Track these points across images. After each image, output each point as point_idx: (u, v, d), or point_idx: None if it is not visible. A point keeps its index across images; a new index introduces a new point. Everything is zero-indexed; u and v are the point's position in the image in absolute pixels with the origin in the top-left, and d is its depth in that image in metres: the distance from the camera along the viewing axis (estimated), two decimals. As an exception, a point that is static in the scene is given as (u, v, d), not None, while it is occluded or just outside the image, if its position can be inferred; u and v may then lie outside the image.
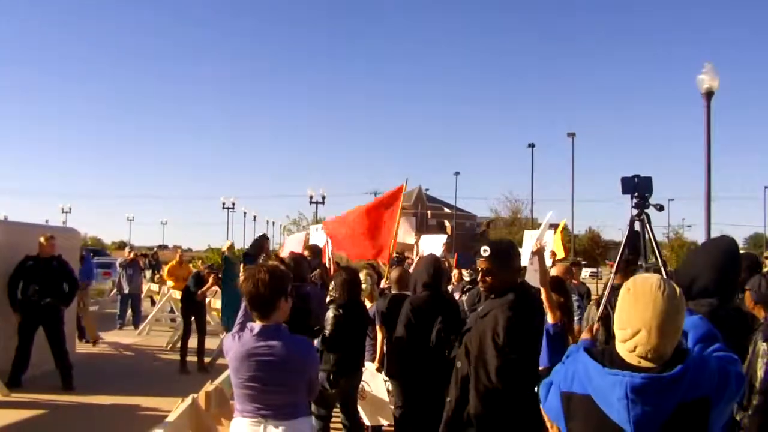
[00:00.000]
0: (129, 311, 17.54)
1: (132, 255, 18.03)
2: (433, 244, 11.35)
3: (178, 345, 12.35)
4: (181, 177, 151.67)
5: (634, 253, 4.61)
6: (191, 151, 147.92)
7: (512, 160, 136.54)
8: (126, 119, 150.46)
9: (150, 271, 20.89)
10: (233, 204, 73.01)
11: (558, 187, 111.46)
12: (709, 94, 15.84)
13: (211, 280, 12.20)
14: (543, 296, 6.13)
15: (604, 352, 2.62)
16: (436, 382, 6.44)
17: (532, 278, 6.79)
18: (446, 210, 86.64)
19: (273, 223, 75.25)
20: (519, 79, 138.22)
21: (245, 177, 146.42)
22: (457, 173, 72.39)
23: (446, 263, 11.02)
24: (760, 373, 4.00)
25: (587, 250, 66.68)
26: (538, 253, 6.24)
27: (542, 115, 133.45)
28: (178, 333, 13.66)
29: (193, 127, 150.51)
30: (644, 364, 2.49)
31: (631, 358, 2.52)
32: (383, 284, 8.62)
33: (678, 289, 2.59)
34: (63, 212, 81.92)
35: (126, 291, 17.18)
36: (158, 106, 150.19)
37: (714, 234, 17.73)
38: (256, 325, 3.78)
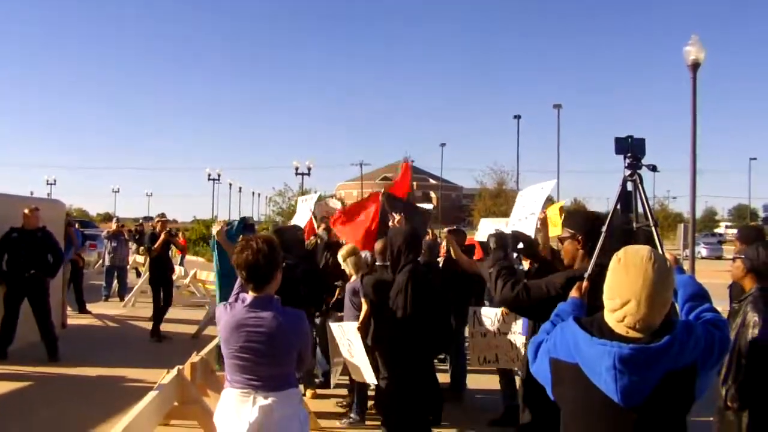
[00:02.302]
0: (115, 283, 17.51)
1: (117, 227, 17.94)
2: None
3: (203, 333, 12.26)
4: (166, 149, 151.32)
5: (625, 214, 4.64)
6: (176, 122, 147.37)
7: (498, 131, 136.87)
8: (111, 91, 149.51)
9: (135, 243, 20.77)
10: (219, 175, 72.91)
11: (544, 158, 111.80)
12: (695, 66, 15.82)
13: (162, 235, 12.29)
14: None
15: (593, 322, 2.65)
16: (419, 353, 6.48)
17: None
18: (432, 181, 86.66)
19: (258, 194, 75.21)
20: (505, 52, 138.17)
21: (231, 148, 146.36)
22: (443, 144, 72.54)
23: (432, 234, 11.02)
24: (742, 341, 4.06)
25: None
26: (543, 222, 6.33)
27: (528, 87, 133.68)
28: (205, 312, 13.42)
29: (178, 99, 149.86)
30: (632, 334, 2.52)
31: (620, 328, 2.55)
32: None
33: (668, 262, 2.64)
34: (48, 184, 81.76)
35: (112, 263, 17.15)
36: (143, 78, 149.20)
37: (699, 205, 17.84)
38: (249, 296, 3.77)
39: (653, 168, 4.52)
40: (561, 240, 4.44)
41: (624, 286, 2.54)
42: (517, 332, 6.93)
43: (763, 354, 3.96)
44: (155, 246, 12.26)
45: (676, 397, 2.52)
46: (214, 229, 6.10)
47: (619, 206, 4.44)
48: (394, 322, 6.36)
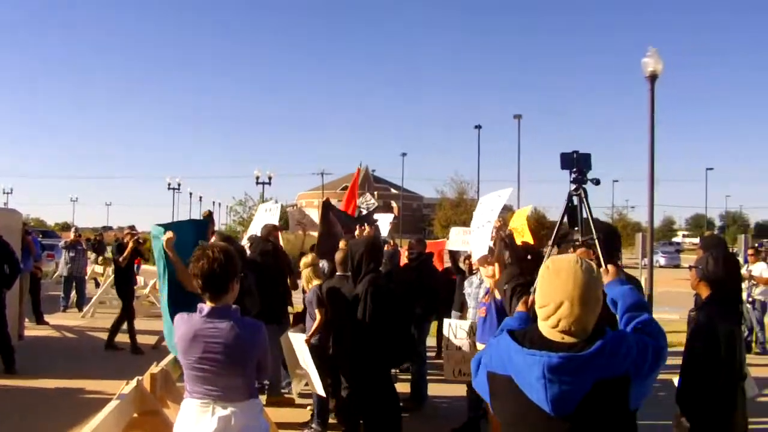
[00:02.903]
0: (73, 293, 17.27)
1: (75, 236, 17.69)
2: (381, 224, 11.37)
3: (163, 343, 12.17)
4: (125, 157, 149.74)
5: (571, 228, 4.73)
6: (136, 131, 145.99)
7: (459, 141, 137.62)
8: (69, 97, 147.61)
9: (94, 252, 20.53)
10: (179, 184, 72.26)
11: (504, 168, 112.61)
12: (653, 77, 16.04)
13: (131, 243, 12.16)
14: (496, 271, 6.25)
15: (525, 333, 2.68)
16: (378, 363, 6.50)
17: (478, 251, 6.89)
18: (393, 191, 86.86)
19: (219, 204, 74.60)
20: (466, 62, 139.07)
21: (191, 157, 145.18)
22: (404, 154, 72.85)
23: (393, 243, 11.07)
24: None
25: (533, 230, 67.46)
26: (498, 231, 6.37)
27: (489, 97, 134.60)
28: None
29: (139, 107, 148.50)
30: (567, 339, 2.56)
31: (554, 335, 2.59)
32: None
33: (594, 266, 2.69)
34: (4, 193, 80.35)
35: (70, 273, 16.90)
36: (102, 85, 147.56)
37: (657, 215, 18.12)
38: (206, 306, 3.74)
39: (596, 182, 4.61)
40: (575, 249, 4.36)
41: (556, 290, 2.59)
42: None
43: (698, 361, 4.07)
44: (123, 255, 12.11)
45: (608, 406, 2.54)
46: (164, 237, 5.94)
47: (565, 220, 4.54)
48: (353, 331, 6.38)
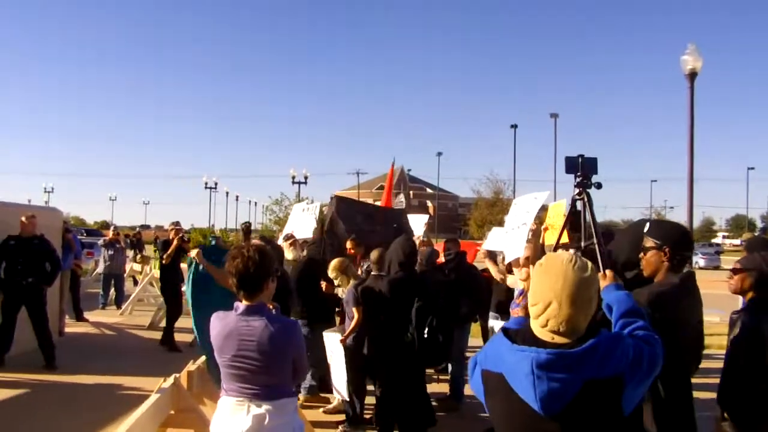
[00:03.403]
0: (112, 291, 17.48)
1: (114, 234, 17.87)
2: (416, 225, 11.35)
3: (161, 324, 12.33)
4: (163, 157, 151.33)
5: (574, 233, 4.71)
6: (174, 130, 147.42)
7: (495, 141, 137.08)
8: (108, 98, 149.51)
9: (132, 250, 20.73)
10: (215, 184, 72.93)
11: (540, 168, 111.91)
12: (692, 75, 15.86)
13: (175, 241, 12.08)
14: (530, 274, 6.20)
15: (518, 331, 2.64)
16: (413, 362, 6.50)
17: (511, 253, 6.84)
18: (428, 190, 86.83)
19: (255, 203, 75.16)
20: (502, 61, 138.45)
21: (228, 157, 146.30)
22: (440, 154, 72.99)
23: (429, 243, 11.04)
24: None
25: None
26: (536, 232, 6.32)
27: (525, 96, 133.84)
28: (160, 312, 13.69)
29: (176, 107, 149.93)
30: (557, 339, 2.51)
31: (544, 335, 2.55)
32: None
33: (590, 265, 2.62)
34: (45, 192, 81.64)
35: (109, 271, 17.07)
36: (141, 84, 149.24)
37: (696, 216, 17.90)
38: (241, 305, 3.78)
39: (599, 185, 4.57)
40: (644, 250, 4.10)
41: (545, 289, 2.55)
42: None
43: (740, 363, 4.01)
44: (168, 252, 12.11)
45: (599, 408, 2.46)
46: (193, 253, 6.35)
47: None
48: (380, 331, 6.41)
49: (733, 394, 4.02)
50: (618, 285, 3.27)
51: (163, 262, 12.27)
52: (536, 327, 2.58)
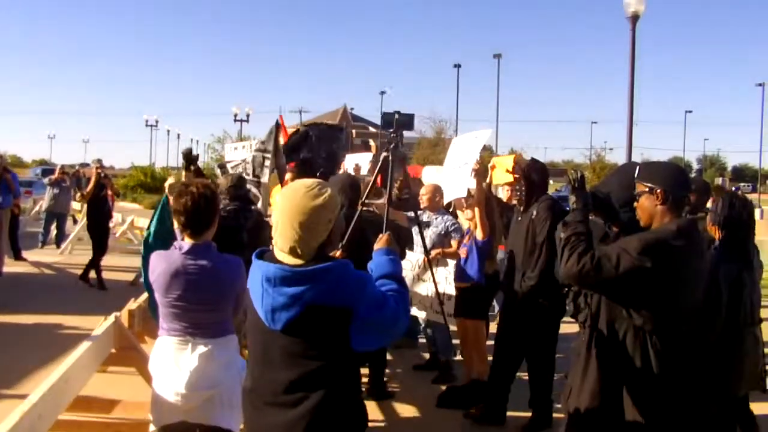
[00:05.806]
0: (53, 229, 17.16)
1: (59, 173, 17.45)
2: (361, 163, 11.27)
3: (141, 280, 12.13)
4: (102, 93, 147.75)
5: (383, 187, 4.83)
6: (114, 67, 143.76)
7: (438, 80, 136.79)
8: (47, 31, 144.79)
9: (72, 189, 20.27)
10: (156, 122, 71.67)
11: (483, 108, 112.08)
12: (634, 18, 15.94)
13: (94, 176, 11.98)
14: (477, 214, 6.26)
15: (270, 252, 2.74)
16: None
17: (452, 193, 6.84)
18: (371, 129, 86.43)
19: (197, 141, 74.09)
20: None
21: (169, 94, 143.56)
22: (383, 92, 72.36)
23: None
24: None
25: (508, 171, 67.74)
26: (479, 171, 6.29)
27: (469, 36, 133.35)
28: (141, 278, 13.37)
29: (117, 44, 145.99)
30: (287, 260, 2.62)
31: (281, 256, 2.64)
32: None
33: (327, 194, 2.65)
34: (-21, 129, 79.12)
35: (52, 210, 16.71)
36: (79, 19, 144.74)
37: (635, 157, 18.21)
38: (186, 243, 3.72)
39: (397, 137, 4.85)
40: (636, 196, 3.67)
41: (277, 209, 2.68)
42: (444, 281, 6.28)
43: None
44: (87, 189, 12.01)
45: (324, 333, 2.56)
46: (168, 182, 6.08)
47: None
48: None
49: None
50: (389, 250, 3.07)
51: (84, 197, 12.19)
52: (276, 249, 2.69)
